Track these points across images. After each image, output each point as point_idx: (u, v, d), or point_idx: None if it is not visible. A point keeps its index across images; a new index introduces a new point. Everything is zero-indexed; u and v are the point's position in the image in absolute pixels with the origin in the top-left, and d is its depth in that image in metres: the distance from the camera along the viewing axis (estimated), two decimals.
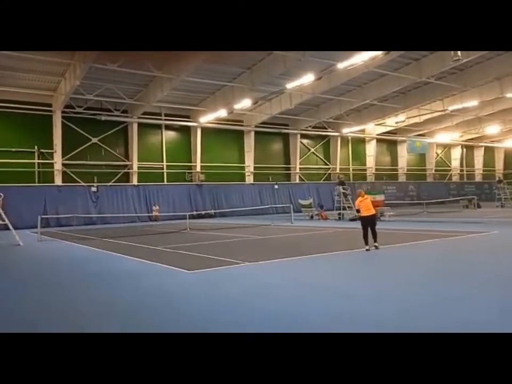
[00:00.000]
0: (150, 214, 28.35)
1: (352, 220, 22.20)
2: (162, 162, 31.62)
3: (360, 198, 10.88)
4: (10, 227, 15.27)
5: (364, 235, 10.44)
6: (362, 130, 39.66)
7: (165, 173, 31.66)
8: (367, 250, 10.21)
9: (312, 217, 25.84)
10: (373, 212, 10.74)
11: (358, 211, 11.57)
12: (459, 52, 16.24)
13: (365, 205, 10.71)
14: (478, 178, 51.43)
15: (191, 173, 32.62)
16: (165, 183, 31.30)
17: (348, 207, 23.98)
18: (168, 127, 31.87)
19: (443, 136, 42.65)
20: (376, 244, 10.41)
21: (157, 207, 28.74)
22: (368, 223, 10.53)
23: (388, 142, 43.54)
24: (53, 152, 26.97)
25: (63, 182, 27.14)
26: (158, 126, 31.40)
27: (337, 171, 38.43)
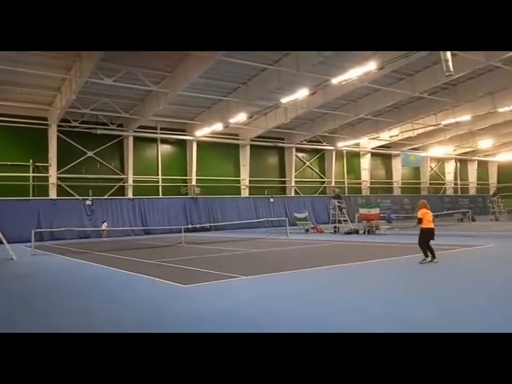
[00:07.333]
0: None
1: (347, 233, 22.22)
2: (158, 175, 31.61)
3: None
4: (4, 241, 15.11)
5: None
6: (357, 144, 39.95)
7: (160, 186, 31.62)
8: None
9: (307, 230, 25.82)
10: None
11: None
12: (451, 67, 16.56)
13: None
14: (472, 191, 51.74)
15: (186, 186, 32.59)
16: (160, 196, 31.23)
17: (344, 220, 24.01)
18: (163, 141, 31.93)
19: (437, 150, 43.01)
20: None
21: (106, 224, 25.64)
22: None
23: (382, 156, 43.84)
24: (48, 166, 26.91)
25: (58, 196, 27.00)
26: (154, 140, 31.47)
27: (333, 184, 38.58)
